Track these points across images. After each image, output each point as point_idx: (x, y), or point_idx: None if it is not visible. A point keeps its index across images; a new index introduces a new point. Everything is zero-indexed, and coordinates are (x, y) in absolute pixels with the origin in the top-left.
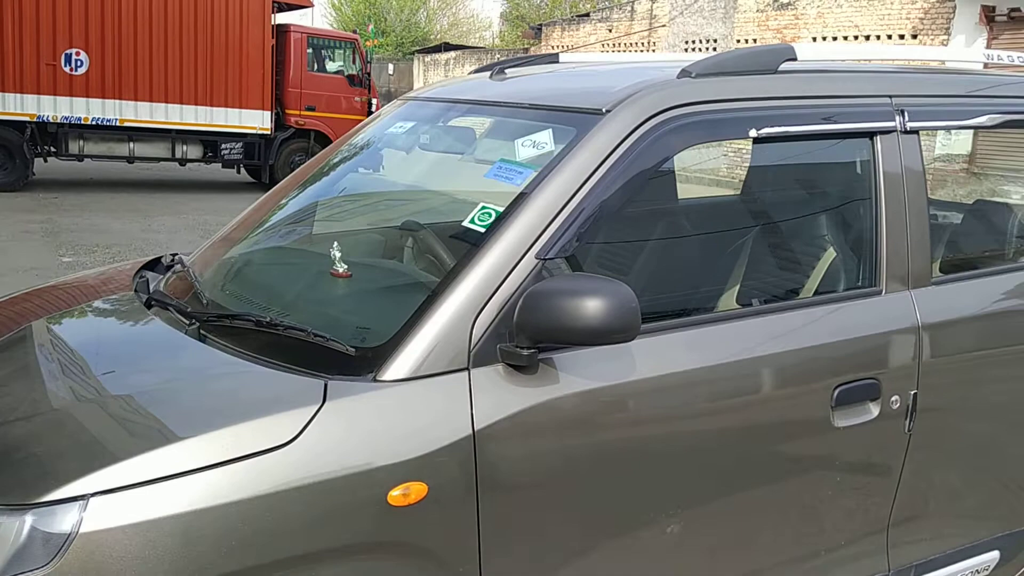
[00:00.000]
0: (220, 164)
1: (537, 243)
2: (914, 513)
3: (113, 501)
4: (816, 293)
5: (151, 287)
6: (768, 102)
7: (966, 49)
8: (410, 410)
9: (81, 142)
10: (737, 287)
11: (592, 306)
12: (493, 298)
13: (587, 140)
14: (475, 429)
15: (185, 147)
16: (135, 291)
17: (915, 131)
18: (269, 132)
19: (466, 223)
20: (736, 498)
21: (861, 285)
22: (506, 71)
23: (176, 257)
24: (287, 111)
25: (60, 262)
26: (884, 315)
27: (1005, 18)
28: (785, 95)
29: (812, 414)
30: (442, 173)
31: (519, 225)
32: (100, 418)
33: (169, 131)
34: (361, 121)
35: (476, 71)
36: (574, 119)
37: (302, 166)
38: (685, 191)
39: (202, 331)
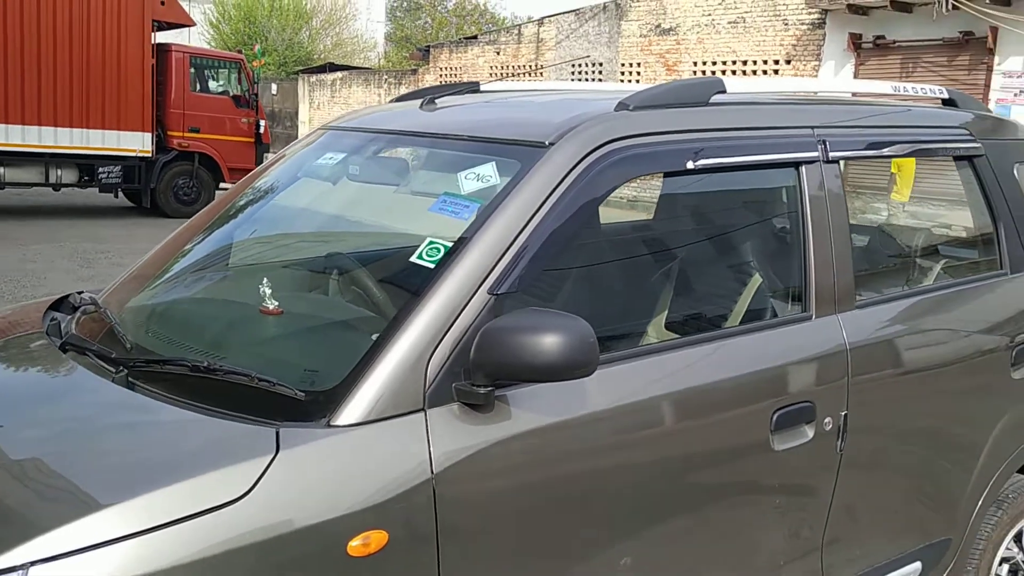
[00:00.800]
0: (97, 188)
1: (489, 278)
2: (845, 531)
3: (58, 569)
4: (747, 319)
5: (63, 329)
6: (703, 134)
7: (875, 82)
8: (367, 455)
9: None
10: (666, 315)
11: (551, 342)
12: (447, 336)
13: (533, 173)
14: (433, 472)
15: (60, 171)
16: (47, 334)
17: (836, 160)
18: (150, 155)
19: (413, 258)
20: (684, 525)
21: (792, 311)
22: (435, 101)
23: (84, 296)
24: (169, 133)
25: None
26: (815, 339)
27: (871, 45)
28: (718, 127)
29: (754, 439)
30: (373, 206)
31: (470, 260)
32: (28, 480)
33: (42, 155)
34: (248, 142)
35: (398, 99)
36: (517, 152)
37: (219, 197)
38: (615, 217)
39: (130, 378)
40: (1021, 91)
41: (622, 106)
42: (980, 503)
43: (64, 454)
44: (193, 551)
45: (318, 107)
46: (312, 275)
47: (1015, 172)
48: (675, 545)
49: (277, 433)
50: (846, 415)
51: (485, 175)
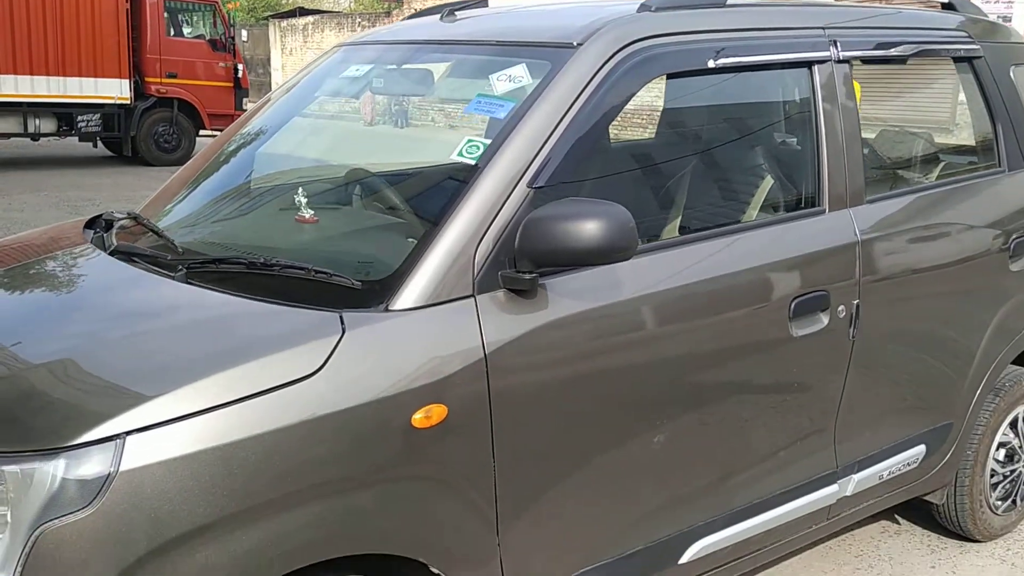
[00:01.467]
0: (77, 138)
1: (527, 172)
2: (856, 415)
3: (150, 438)
4: (762, 215)
5: (106, 241)
6: (721, 34)
7: None
8: (424, 336)
9: None
10: (683, 214)
11: (593, 227)
12: (491, 227)
13: (563, 73)
14: (485, 352)
15: (38, 121)
16: (92, 244)
17: (847, 60)
18: (128, 102)
19: (454, 156)
20: (711, 406)
21: (807, 206)
22: (455, 13)
23: (116, 214)
24: (147, 79)
25: None
26: (829, 232)
27: None
28: (735, 27)
29: (775, 325)
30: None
31: (509, 156)
32: (119, 361)
33: (20, 104)
34: (227, 87)
35: (411, 16)
36: (546, 53)
37: (246, 112)
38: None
39: (189, 277)
40: (998, 16)
41: (644, 7)
42: (979, 390)
43: (145, 339)
44: (276, 421)
45: (290, 53)
46: (338, 188)
47: (1011, 74)
48: (702, 425)
49: (341, 317)
50: (858, 304)
51: (517, 76)
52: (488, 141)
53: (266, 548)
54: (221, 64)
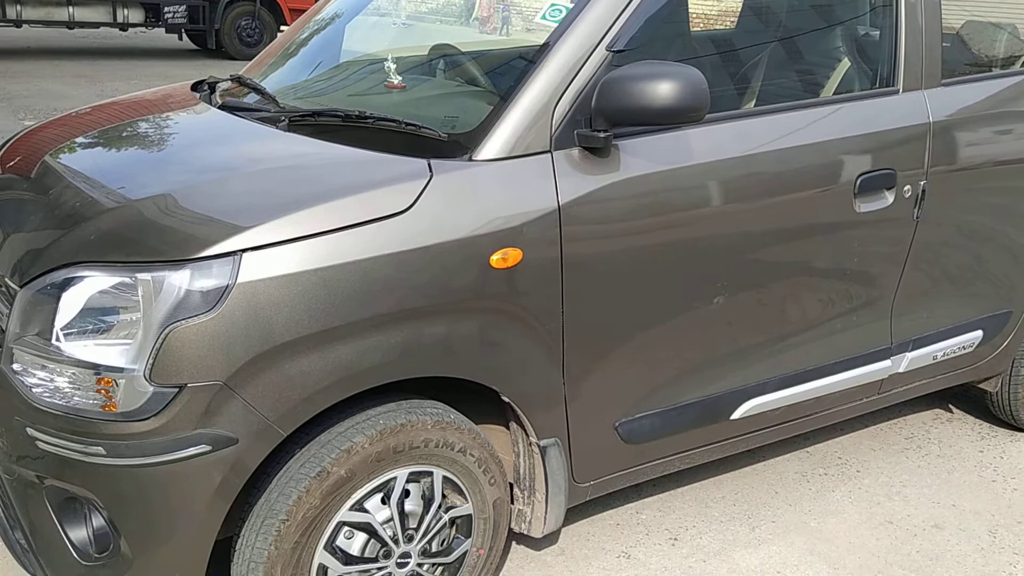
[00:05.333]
0: (163, 29)
1: (607, 36)
2: (915, 293)
3: (262, 257)
4: (838, 93)
5: (213, 99)
6: None
7: None
8: (504, 185)
9: (19, 7)
10: (760, 89)
11: (667, 87)
12: (570, 87)
13: None
14: (560, 204)
15: (126, 11)
16: (202, 101)
17: None
18: None
19: (537, 19)
20: (771, 272)
21: (881, 86)
22: None
23: (217, 78)
24: None
25: (24, 126)
26: (901, 111)
27: None
28: None
29: (839, 199)
30: None
31: (589, 19)
32: (233, 194)
33: None
34: None
35: None
36: None
37: None
38: None
39: (291, 128)
40: None
41: None
42: None
43: (254, 179)
44: (369, 250)
45: None
46: (427, 61)
47: None
48: (761, 290)
49: (429, 164)
50: (924, 185)
51: None
52: (571, 5)
53: (357, 361)
54: None
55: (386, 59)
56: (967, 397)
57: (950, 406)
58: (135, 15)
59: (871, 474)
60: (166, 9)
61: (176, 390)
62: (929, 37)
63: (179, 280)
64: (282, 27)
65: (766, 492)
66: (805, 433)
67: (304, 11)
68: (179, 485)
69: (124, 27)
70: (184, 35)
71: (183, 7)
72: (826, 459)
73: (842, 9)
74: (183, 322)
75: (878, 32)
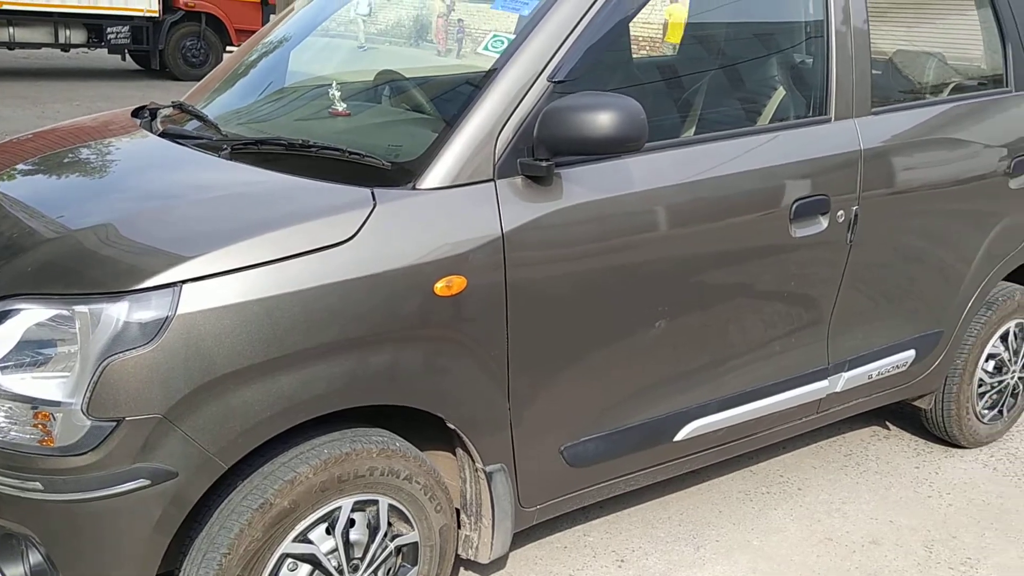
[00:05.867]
0: (106, 50)
1: (548, 66)
2: (850, 315)
3: (203, 287)
4: (773, 122)
5: (153, 126)
6: None
7: None
8: (448, 213)
9: None
10: (698, 119)
11: (606, 118)
12: (512, 117)
13: None
14: (503, 231)
15: (68, 31)
16: (142, 128)
17: None
18: (157, 15)
19: (479, 50)
20: (711, 297)
21: (814, 114)
22: None
23: (159, 104)
24: None
25: None
26: (834, 139)
27: None
28: None
29: (776, 224)
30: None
31: (530, 51)
32: (174, 224)
33: (51, 14)
34: (254, 3)
35: None
36: None
37: (280, 14)
38: None
39: (234, 156)
40: None
41: None
42: (971, 302)
43: (196, 207)
44: (312, 280)
45: None
46: (370, 87)
47: None
48: (701, 313)
49: (372, 193)
50: (857, 210)
51: None
52: (512, 36)
53: (301, 391)
54: None
55: (331, 85)
56: (903, 414)
57: (887, 423)
58: (77, 36)
59: (812, 491)
60: (109, 30)
61: (114, 424)
62: (859, 67)
63: (117, 312)
64: (228, 47)
65: (710, 512)
66: (748, 453)
67: (251, 31)
68: (118, 520)
69: (66, 48)
70: (128, 56)
71: (126, 27)
72: (769, 477)
73: (777, 39)
74: (121, 355)
75: (811, 62)
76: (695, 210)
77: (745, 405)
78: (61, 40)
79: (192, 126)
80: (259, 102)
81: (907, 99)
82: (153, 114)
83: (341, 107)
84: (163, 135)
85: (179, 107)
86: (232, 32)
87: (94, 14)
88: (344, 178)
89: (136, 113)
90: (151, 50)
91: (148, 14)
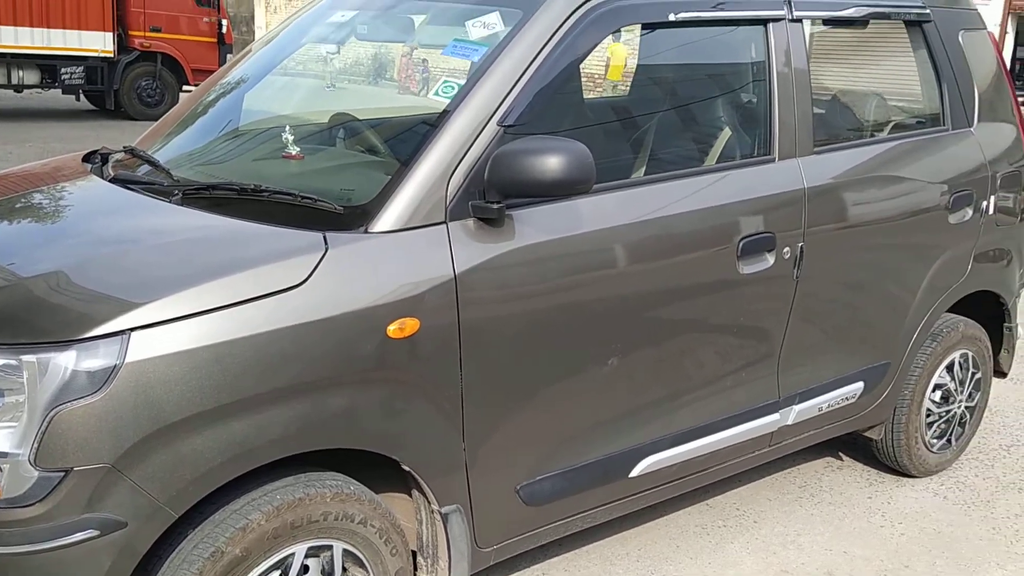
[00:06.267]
0: (60, 90)
1: (498, 111)
2: (799, 349)
3: (152, 335)
4: (719, 163)
5: (104, 171)
6: None
7: None
8: (400, 256)
9: None
10: (653, 159)
11: (555, 162)
12: (463, 160)
13: (534, 20)
14: (456, 273)
15: (22, 72)
16: (93, 174)
17: (800, 19)
18: (112, 55)
19: (431, 95)
20: (662, 334)
21: (758, 155)
22: None
23: (110, 149)
24: (130, 32)
25: None
26: (778, 178)
27: None
28: None
29: (723, 262)
30: (378, 66)
31: (481, 96)
32: (123, 271)
33: (3, 55)
34: (211, 43)
35: None
36: (519, 2)
37: (235, 57)
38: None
39: (185, 201)
40: None
41: None
42: (916, 334)
43: (146, 254)
44: (264, 325)
45: (275, 11)
46: (323, 130)
47: (959, 38)
48: (653, 350)
49: (324, 237)
50: (802, 246)
51: (490, 23)
52: (462, 82)
53: (253, 437)
54: (205, 19)
55: (284, 129)
56: (856, 445)
57: (840, 454)
58: (30, 76)
59: (767, 524)
60: (63, 70)
61: (62, 474)
62: (801, 107)
63: (65, 361)
64: (185, 87)
65: (668, 547)
66: (705, 486)
67: (208, 71)
68: (67, 572)
69: (19, 88)
70: (82, 96)
71: (80, 68)
72: (725, 511)
73: (723, 81)
74: (70, 404)
75: (755, 103)
76: (644, 249)
77: (698, 440)
78: (14, 81)
79: (143, 171)
80: (212, 145)
81: (849, 138)
82: (104, 159)
83: (295, 151)
84: (114, 180)
85: (130, 152)
86: (188, 72)
87: (48, 55)
88: (296, 222)
89: (87, 158)
90: (106, 90)
91: (103, 54)
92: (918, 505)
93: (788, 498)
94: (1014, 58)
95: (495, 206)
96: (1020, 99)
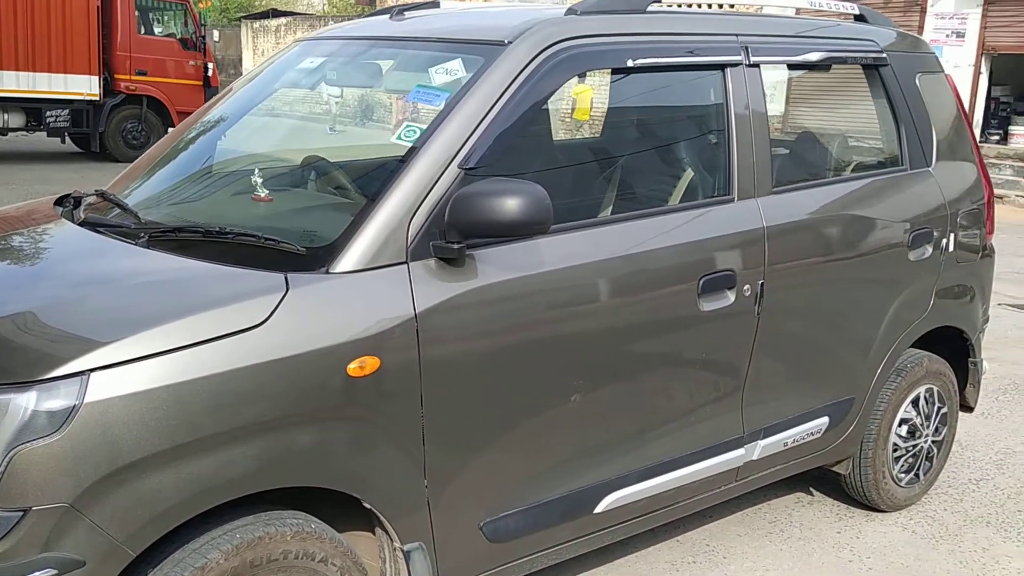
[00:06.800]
0: (45, 133)
1: (459, 155)
2: (763, 384)
3: (111, 375)
4: (681, 203)
5: (75, 215)
6: (641, 37)
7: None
8: (360, 296)
9: None
10: (617, 200)
11: (513, 203)
12: (424, 202)
13: (495, 67)
14: (416, 312)
15: (7, 115)
16: (63, 218)
17: (757, 64)
18: (98, 98)
19: (393, 139)
20: (624, 370)
21: (718, 195)
22: (404, 12)
23: (82, 192)
24: (116, 76)
25: None
26: (738, 218)
27: None
28: (654, 32)
29: (684, 299)
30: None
31: (442, 140)
32: (86, 312)
33: None
34: (197, 86)
35: (369, 15)
36: (480, 50)
37: (209, 101)
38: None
39: (151, 244)
40: (952, 32)
41: (571, 11)
42: (880, 370)
43: (109, 296)
44: (223, 364)
45: (262, 54)
46: (291, 172)
47: (916, 81)
48: (616, 387)
49: (286, 278)
50: (763, 284)
51: (453, 69)
52: (424, 126)
53: (212, 476)
54: (191, 63)
55: (254, 172)
56: (827, 480)
57: (811, 489)
58: (15, 119)
59: (736, 559)
60: (48, 113)
61: (21, 514)
62: (759, 150)
63: (25, 402)
64: (170, 129)
65: None
66: (676, 522)
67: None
68: None
69: (3, 131)
70: (67, 138)
71: (66, 111)
72: (695, 547)
73: (685, 124)
74: (29, 444)
75: (715, 145)
76: (605, 287)
77: (663, 475)
78: None
79: (113, 214)
80: (183, 188)
81: (810, 178)
82: (77, 203)
83: (263, 193)
84: (83, 224)
85: (101, 195)
86: (174, 114)
87: (33, 98)
88: (260, 264)
89: (59, 202)
90: (91, 133)
91: (88, 97)
92: (886, 539)
93: (758, 533)
94: (988, 97)
95: (455, 246)
96: (994, 138)
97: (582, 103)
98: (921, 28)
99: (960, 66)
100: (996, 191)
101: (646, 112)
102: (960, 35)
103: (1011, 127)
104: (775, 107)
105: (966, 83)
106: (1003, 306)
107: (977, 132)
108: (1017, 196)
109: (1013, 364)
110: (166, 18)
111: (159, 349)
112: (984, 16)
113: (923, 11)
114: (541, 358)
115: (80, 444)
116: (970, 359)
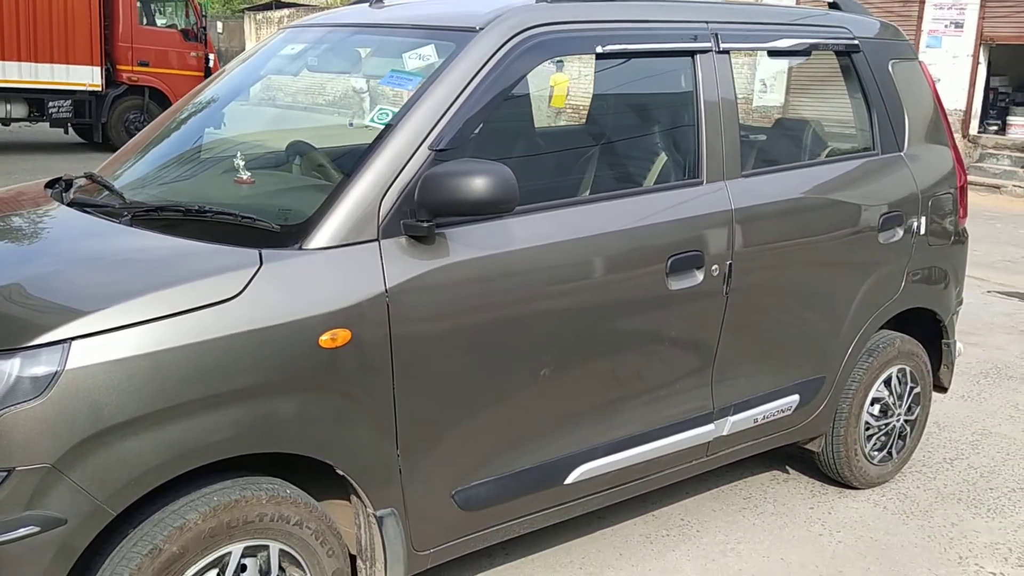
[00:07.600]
0: (48, 124)
1: (429, 137)
2: (733, 362)
3: (92, 344)
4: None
5: (64, 196)
6: (611, 24)
7: None
8: (333, 271)
9: None
10: (591, 183)
11: (479, 183)
12: (395, 182)
13: (466, 52)
14: (387, 287)
15: (9, 106)
16: (53, 199)
17: (727, 51)
18: (100, 89)
19: (366, 121)
20: (593, 345)
21: (688, 177)
22: (383, 1)
23: (72, 176)
24: (118, 67)
25: None
26: (706, 200)
27: None
28: (624, 19)
29: (653, 278)
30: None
31: (413, 122)
32: (68, 285)
33: None
34: (198, 76)
35: (354, 2)
36: (452, 36)
37: (197, 87)
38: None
39: (134, 222)
40: (951, 22)
41: None
42: (850, 349)
43: (91, 270)
44: (199, 334)
45: None
46: (271, 154)
47: (889, 67)
48: (585, 360)
49: (260, 253)
50: (731, 264)
51: (425, 55)
52: (396, 109)
53: (188, 440)
54: (193, 54)
55: (236, 154)
56: (801, 458)
57: (787, 467)
58: (18, 110)
59: (709, 533)
60: (51, 104)
61: (5, 473)
62: (728, 134)
63: (9, 368)
64: None
65: (612, 555)
66: (651, 497)
67: None
68: (8, 567)
69: (6, 122)
70: (70, 129)
71: (68, 101)
72: (670, 521)
73: (657, 109)
74: (13, 407)
75: (685, 130)
76: (574, 265)
77: (633, 449)
78: (2, 115)
79: (101, 196)
80: (168, 170)
81: (783, 162)
82: (67, 185)
83: (245, 175)
84: (72, 204)
85: (90, 177)
86: None
87: (36, 89)
88: (237, 241)
89: (50, 184)
90: (94, 123)
91: (91, 88)
92: (857, 515)
93: (732, 509)
94: (987, 88)
95: (425, 224)
96: (993, 128)
97: (559, 91)
98: (920, 18)
99: (959, 56)
100: (994, 181)
101: (620, 99)
102: (959, 25)
103: (1009, 117)
104: (775, 96)
105: (964, 73)
106: (993, 293)
107: (975, 123)
108: (1015, 186)
109: (997, 349)
110: (167, 9)
111: (138, 319)
112: (983, 6)
113: (922, 1)
114: (510, 333)
115: (62, 408)
116: (943, 340)
